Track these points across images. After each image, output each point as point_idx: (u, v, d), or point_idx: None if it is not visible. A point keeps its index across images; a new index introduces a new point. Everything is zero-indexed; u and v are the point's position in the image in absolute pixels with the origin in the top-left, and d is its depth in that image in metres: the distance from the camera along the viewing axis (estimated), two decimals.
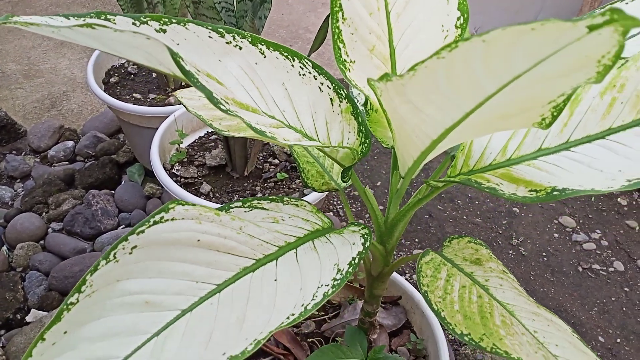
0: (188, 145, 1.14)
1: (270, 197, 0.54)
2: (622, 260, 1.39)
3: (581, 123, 0.47)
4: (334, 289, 0.43)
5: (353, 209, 1.46)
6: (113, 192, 1.38)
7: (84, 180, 1.39)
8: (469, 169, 0.52)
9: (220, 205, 0.51)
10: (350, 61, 0.53)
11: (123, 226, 1.31)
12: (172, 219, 0.43)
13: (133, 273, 0.41)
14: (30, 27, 0.39)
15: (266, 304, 0.42)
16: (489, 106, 0.36)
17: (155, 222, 0.42)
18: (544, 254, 1.39)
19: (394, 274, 0.89)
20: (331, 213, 1.45)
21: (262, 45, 0.51)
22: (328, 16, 0.86)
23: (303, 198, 0.83)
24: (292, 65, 0.53)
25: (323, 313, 0.88)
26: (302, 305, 0.41)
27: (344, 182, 0.55)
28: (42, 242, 1.26)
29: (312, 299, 0.42)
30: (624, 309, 1.28)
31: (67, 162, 1.50)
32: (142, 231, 0.42)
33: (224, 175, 1.08)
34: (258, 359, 0.80)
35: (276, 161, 1.11)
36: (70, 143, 1.53)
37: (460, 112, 0.37)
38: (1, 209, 1.34)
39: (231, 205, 0.51)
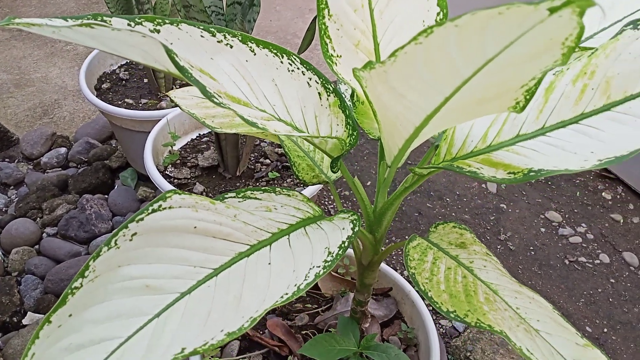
0: (180, 148, 1.16)
1: (263, 188, 0.56)
2: (608, 252, 1.42)
3: (555, 109, 0.50)
4: (325, 270, 0.45)
5: (344, 207, 1.48)
6: (106, 196, 1.40)
7: (77, 186, 1.40)
8: (452, 157, 0.55)
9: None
10: (337, 55, 0.55)
11: None
12: (170, 207, 0.45)
13: (133, 259, 0.43)
14: (32, 28, 0.41)
15: (261, 286, 0.44)
16: (466, 90, 0.38)
17: (154, 210, 0.44)
18: (531, 248, 1.42)
19: (385, 266, 0.91)
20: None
21: (252, 43, 0.54)
22: (315, 18, 0.88)
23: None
24: (281, 62, 0.55)
25: (316, 306, 0.90)
26: (295, 285, 0.43)
27: (334, 172, 0.58)
28: (37, 246, 1.27)
29: (305, 279, 0.44)
30: (610, 299, 1.31)
31: (60, 169, 1.52)
32: (142, 219, 0.44)
33: (217, 176, 1.10)
34: (253, 351, 0.82)
35: (267, 161, 1.13)
36: (63, 150, 1.54)
37: (440, 97, 0.39)
38: None
39: (225, 196, 0.53)
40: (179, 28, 0.50)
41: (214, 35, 0.52)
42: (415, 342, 0.84)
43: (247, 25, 0.90)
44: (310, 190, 0.99)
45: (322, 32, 0.54)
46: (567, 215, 1.51)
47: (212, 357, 0.78)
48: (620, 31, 0.48)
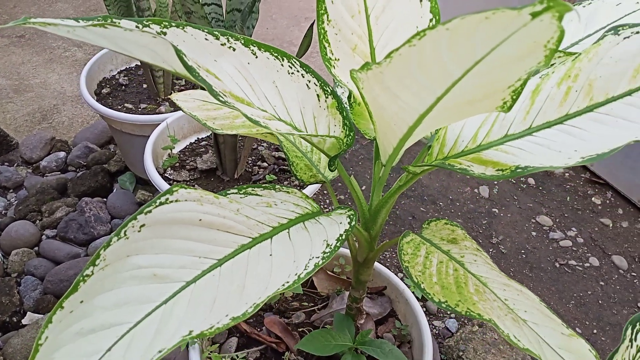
0: (179, 151, 1.19)
1: (263, 185, 0.58)
2: (597, 256, 1.45)
3: (541, 110, 0.53)
4: (324, 260, 0.47)
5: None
6: (105, 199, 1.42)
7: (76, 189, 1.42)
8: (444, 156, 0.58)
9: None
10: (335, 59, 0.58)
11: None
12: (176, 201, 0.47)
13: (142, 249, 0.46)
14: (47, 27, 0.44)
15: (263, 275, 0.47)
16: (456, 91, 0.41)
17: (161, 203, 0.47)
18: (522, 251, 1.44)
19: (379, 265, 0.94)
20: None
21: (254, 46, 0.56)
22: (312, 25, 0.91)
23: None
24: (282, 65, 0.58)
25: (312, 304, 0.92)
26: (296, 274, 0.46)
27: (331, 170, 0.60)
28: (36, 248, 1.29)
29: (305, 269, 0.46)
30: (600, 301, 1.34)
31: (59, 172, 1.53)
32: (150, 211, 0.46)
33: (215, 179, 1.12)
34: (251, 347, 0.84)
35: (265, 164, 1.16)
36: (62, 154, 1.56)
37: (432, 97, 0.42)
38: None
39: (228, 192, 0.56)
40: (184, 31, 0.52)
41: (217, 38, 0.54)
42: (408, 339, 0.86)
43: (246, 32, 0.93)
44: (307, 191, 1.02)
45: (322, 37, 0.57)
46: (557, 220, 1.54)
47: (211, 352, 0.80)
48: (602, 37, 0.51)
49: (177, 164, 1.14)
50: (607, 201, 1.61)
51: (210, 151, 1.18)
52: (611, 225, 1.54)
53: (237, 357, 0.80)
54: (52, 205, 1.37)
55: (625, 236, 1.51)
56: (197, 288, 0.45)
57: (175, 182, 1.09)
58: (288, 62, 0.58)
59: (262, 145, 1.22)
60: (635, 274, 1.41)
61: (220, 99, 0.47)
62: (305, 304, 0.92)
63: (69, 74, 1.98)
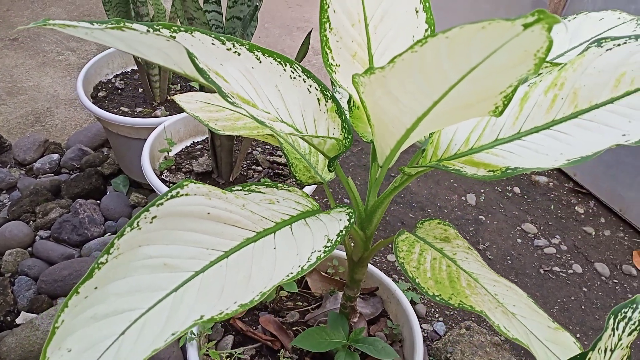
0: (175, 154, 1.21)
1: (266, 183, 0.61)
2: (580, 263, 1.49)
3: (530, 116, 0.57)
4: (325, 254, 0.50)
5: None
6: (99, 201, 1.43)
7: (70, 191, 1.43)
8: (437, 159, 0.61)
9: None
10: (336, 65, 0.61)
11: (109, 233, 1.36)
12: (186, 194, 0.50)
13: (153, 239, 0.48)
14: (67, 29, 0.46)
15: (268, 266, 0.49)
16: (452, 95, 0.44)
17: (172, 197, 0.49)
18: (508, 257, 1.48)
19: (372, 267, 0.96)
20: None
21: (258, 51, 0.59)
22: (309, 33, 0.95)
23: None
24: (284, 70, 0.61)
25: (306, 304, 0.94)
26: (299, 266, 0.48)
27: (330, 171, 0.63)
28: (30, 248, 1.30)
29: (307, 261, 0.49)
30: (583, 307, 1.38)
31: (52, 174, 1.54)
32: (161, 203, 0.48)
33: (211, 181, 1.15)
34: (247, 345, 0.86)
35: (259, 168, 1.18)
36: (56, 156, 1.58)
37: (430, 100, 0.45)
38: None
39: (232, 189, 0.58)
40: (192, 35, 0.55)
41: (223, 43, 0.57)
42: (400, 338, 0.89)
43: (246, 39, 0.96)
44: (308, 190, 1.04)
45: (324, 43, 0.60)
46: (542, 228, 1.59)
47: (208, 349, 0.82)
48: (586, 48, 0.55)
49: (174, 167, 1.16)
50: (590, 210, 1.66)
51: (205, 154, 1.20)
52: (594, 233, 1.58)
53: (235, 353, 0.82)
54: (46, 206, 1.38)
55: (607, 244, 1.55)
56: (205, 277, 0.48)
57: (171, 184, 1.12)
58: (290, 67, 0.61)
59: (257, 150, 1.24)
60: (616, 281, 1.45)
61: (229, 100, 0.49)
62: (300, 303, 0.95)
63: (62, 77, 1.99)
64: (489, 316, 0.50)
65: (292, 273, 0.48)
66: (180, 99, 0.78)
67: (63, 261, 1.24)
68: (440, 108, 0.47)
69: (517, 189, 1.71)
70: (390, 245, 1.48)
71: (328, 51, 0.60)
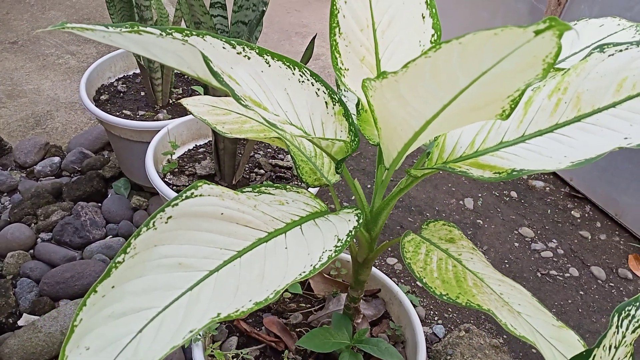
0: (178, 157, 1.22)
1: (275, 185, 0.62)
2: (577, 266, 1.51)
3: (534, 120, 0.58)
4: (336, 253, 0.51)
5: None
6: (100, 204, 1.43)
7: (71, 193, 1.44)
8: (443, 161, 0.62)
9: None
10: (345, 69, 0.62)
11: (111, 236, 1.36)
12: (200, 195, 0.51)
13: (168, 239, 0.49)
14: (85, 32, 0.47)
15: (281, 265, 0.50)
16: (462, 99, 0.45)
17: (187, 197, 0.50)
18: (506, 261, 1.50)
19: (374, 269, 0.98)
20: None
21: (268, 55, 0.60)
22: (314, 38, 0.96)
23: None
24: (293, 74, 0.62)
25: (309, 306, 0.95)
26: (311, 265, 0.50)
27: (338, 172, 0.64)
28: (31, 251, 1.30)
29: (319, 260, 0.50)
30: (580, 310, 1.39)
31: (53, 177, 1.55)
32: (177, 204, 0.49)
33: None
34: (251, 346, 0.87)
35: (262, 171, 1.19)
36: (57, 159, 1.58)
37: (440, 104, 0.47)
38: None
39: (243, 190, 0.59)
40: (204, 39, 0.56)
41: (234, 47, 0.58)
42: (402, 339, 0.90)
43: (252, 43, 0.97)
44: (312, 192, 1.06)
45: (333, 48, 0.62)
46: (539, 232, 1.60)
47: (213, 349, 0.82)
48: (589, 54, 0.57)
49: (177, 170, 1.17)
50: (586, 214, 1.68)
51: (208, 157, 1.21)
52: (590, 237, 1.60)
53: (241, 353, 0.83)
54: (48, 208, 1.38)
55: (603, 248, 1.57)
56: (220, 276, 0.49)
57: (175, 187, 1.12)
58: (299, 71, 0.62)
59: (259, 153, 1.25)
60: (612, 284, 1.47)
61: (242, 102, 0.51)
62: (303, 305, 0.96)
63: (62, 80, 2.00)
64: (496, 314, 0.52)
65: (304, 272, 0.49)
66: (188, 102, 0.79)
67: (65, 263, 1.24)
68: (449, 111, 0.48)
69: (514, 194, 1.73)
70: (390, 249, 1.49)
71: (337, 55, 0.62)
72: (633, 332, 0.47)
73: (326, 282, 0.98)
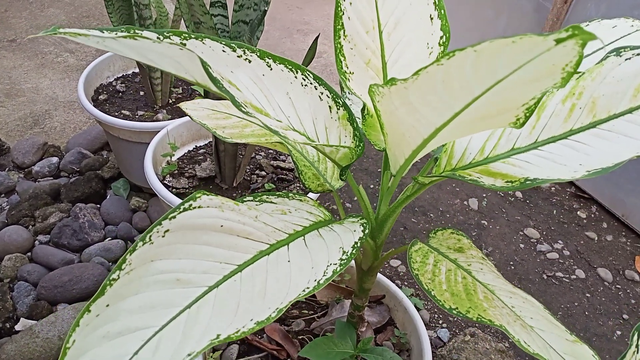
0: (178, 158, 1.20)
1: (277, 193, 0.60)
2: (583, 268, 1.49)
3: (547, 126, 0.56)
4: (341, 267, 0.49)
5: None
6: (99, 206, 1.41)
7: (70, 195, 1.42)
8: (451, 168, 0.60)
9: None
10: (350, 72, 0.60)
11: (110, 238, 1.34)
12: (199, 207, 0.49)
13: (165, 254, 0.47)
14: (78, 38, 0.45)
15: (283, 280, 0.48)
16: (474, 107, 0.43)
17: (185, 209, 0.48)
18: (511, 263, 1.48)
19: (379, 274, 0.95)
20: None
21: (269, 58, 0.58)
22: (316, 38, 0.93)
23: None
24: (295, 77, 0.60)
25: (312, 312, 0.93)
26: (315, 280, 0.47)
27: (342, 180, 0.62)
28: (29, 253, 1.28)
29: (324, 275, 0.48)
30: (586, 313, 1.37)
31: (51, 178, 1.53)
32: (174, 217, 0.47)
33: (214, 186, 1.13)
34: (252, 354, 0.85)
35: (263, 173, 1.17)
36: (55, 159, 1.56)
37: (451, 112, 0.44)
38: None
39: (244, 199, 0.57)
40: (203, 43, 0.54)
41: (234, 50, 0.56)
42: (407, 347, 0.88)
43: (254, 43, 0.95)
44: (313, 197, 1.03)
45: (338, 51, 0.59)
46: (544, 233, 1.58)
47: (214, 358, 0.80)
48: (605, 57, 0.54)
49: (176, 171, 1.15)
50: (592, 215, 1.66)
51: (208, 159, 1.19)
52: (596, 238, 1.58)
53: None
54: (46, 210, 1.36)
55: (609, 249, 1.55)
56: (220, 292, 0.46)
57: (174, 189, 1.10)
58: (302, 74, 0.60)
59: (260, 154, 1.23)
60: (619, 286, 1.45)
61: (243, 109, 0.48)
62: (305, 311, 0.94)
63: (61, 79, 1.98)
64: (508, 330, 0.49)
65: (308, 288, 0.47)
66: (187, 106, 0.77)
67: (63, 267, 1.22)
68: (460, 119, 0.46)
69: (519, 194, 1.71)
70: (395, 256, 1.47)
71: (342, 58, 0.59)
72: None
73: (329, 288, 0.96)
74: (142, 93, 1.45)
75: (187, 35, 0.52)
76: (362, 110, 0.63)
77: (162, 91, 1.39)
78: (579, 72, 0.56)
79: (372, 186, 1.67)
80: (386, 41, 0.61)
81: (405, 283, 1.37)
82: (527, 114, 0.45)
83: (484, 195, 1.68)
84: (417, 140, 0.51)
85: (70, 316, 1.12)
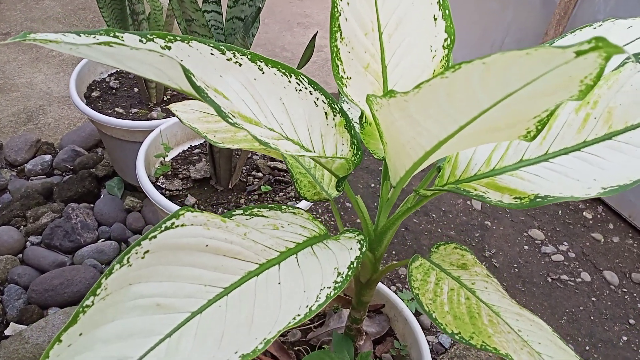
0: (172, 159, 1.16)
1: (269, 205, 0.56)
2: (589, 271, 1.45)
3: (558, 136, 0.52)
4: (336, 291, 0.45)
5: (333, 223, 1.49)
6: (92, 205, 1.38)
7: (62, 194, 1.38)
8: (455, 179, 0.56)
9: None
10: (347, 77, 0.56)
11: (103, 239, 1.31)
12: (182, 225, 0.45)
13: (145, 277, 0.43)
14: (49, 44, 0.41)
15: (272, 306, 0.44)
16: (481, 120, 0.39)
17: (167, 228, 0.44)
18: (515, 265, 1.44)
19: (379, 283, 0.92)
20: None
21: (261, 62, 0.54)
22: (314, 36, 0.89)
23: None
24: (289, 81, 0.56)
25: (309, 322, 0.90)
26: (307, 307, 0.44)
27: (338, 191, 0.58)
28: (20, 255, 1.25)
29: (316, 301, 0.44)
30: (592, 317, 1.34)
31: (44, 176, 1.49)
32: (155, 236, 0.44)
33: (209, 188, 1.10)
34: None
35: (260, 174, 1.13)
36: (48, 157, 1.52)
37: (456, 125, 0.40)
38: None
39: (233, 213, 0.53)
40: (189, 45, 0.50)
41: (223, 53, 0.52)
42: None
43: (249, 40, 0.90)
44: (303, 205, 1.00)
45: (334, 54, 0.55)
46: (549, 234, 1.54)
47: None
48: (622, 64, 0.50)
49: (170, 173, 1.11)
50: (598, 216, 1.62)
51: (203, 160, 1.15)
52: (602, 240, 1.54)
53: None
54: (38, 210, 1.33)
55: (616, 251, 1.51)
56: (203, 319, 0.43)
57: (167, 192, 1.07)
58: (296, 78, 0.56)
59: (257, 155, 1.19)
60: (626, 290, 1.41)
61: (230, 120, 0.45)
62: None
63: (55, 73, 1.93)
64: None
65: (299, 315, 0.43)
66: (177, 108, 0.73)
67: (54, 269, 1.19)
68: (465, 132, 0.42)
69: None
70: (393, 252, 1.43)
71: (339, 63, 0.55)
72: None
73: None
74: (136, 90, 1.41)
75: (172, 37, 0.49)
76: (360, 117, 0.59)
77: (156, 88, 1.35)
78: None
79: (372, 185, 1.64)
80: (386, 44, 0.57)
81: (406, 286, 1.34)
82: (539, 127, 0.41)
83: None
84: (419, 153, 0.47)
85: (61, 321, 1.09)
